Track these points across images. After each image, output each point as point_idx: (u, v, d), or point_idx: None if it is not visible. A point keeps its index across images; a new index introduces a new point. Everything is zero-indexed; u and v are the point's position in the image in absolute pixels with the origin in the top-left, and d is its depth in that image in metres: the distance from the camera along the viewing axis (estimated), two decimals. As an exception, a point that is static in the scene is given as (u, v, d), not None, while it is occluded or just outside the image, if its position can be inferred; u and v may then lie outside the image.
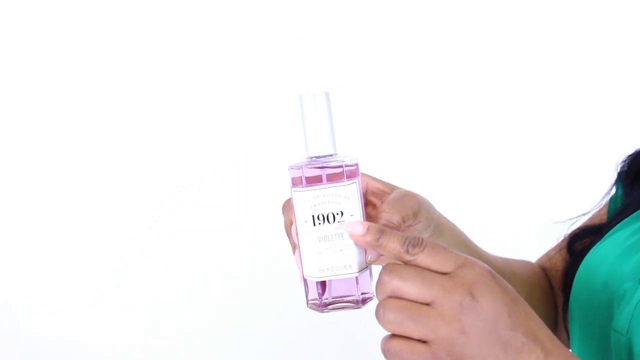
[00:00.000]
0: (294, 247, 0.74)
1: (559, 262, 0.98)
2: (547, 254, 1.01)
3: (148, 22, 1.65)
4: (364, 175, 0.75)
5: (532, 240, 1.21)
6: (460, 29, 1.67)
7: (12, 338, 1.66)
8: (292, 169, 0.71)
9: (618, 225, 0.88)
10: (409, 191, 0.75)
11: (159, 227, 1.67)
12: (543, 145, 1.68)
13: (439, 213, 0.80)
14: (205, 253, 1.68)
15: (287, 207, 0.75)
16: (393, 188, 0.77)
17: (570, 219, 0.97)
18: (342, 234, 0.69)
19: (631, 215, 0.88)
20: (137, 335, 1.67)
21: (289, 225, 0.75)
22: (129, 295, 1.67)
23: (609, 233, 0.88)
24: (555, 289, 0.99)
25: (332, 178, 0.69)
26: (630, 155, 0.93)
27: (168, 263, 1.67)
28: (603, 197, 0.96)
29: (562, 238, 0.98)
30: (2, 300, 1.66)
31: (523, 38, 1.66)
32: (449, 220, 0.83)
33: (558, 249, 0.99)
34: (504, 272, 0.92)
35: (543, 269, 1.01)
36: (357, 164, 0.71)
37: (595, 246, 0.88)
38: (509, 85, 1.67)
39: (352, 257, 0.69)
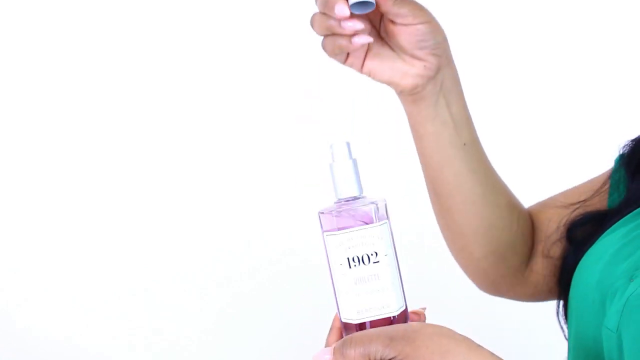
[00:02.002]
0: None
1: (557, 250, 0.96)
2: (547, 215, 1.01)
3: (146, 22, 1.65)
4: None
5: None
6: (463, 30, 1.66)
7: (12, 338, 1.66)
8: (322, 214, 0.72)
9: (617, 224, 0.88)
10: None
11: (159, 227, 1.67)
12: (545, 144, 1.67)
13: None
14: (206, 254, 1.68)
15: None
16: None
17: (572, 205, 0.96)
18: (377, 274, 0.71)
19: (630, 214, 0.88)
20: (137, 335, 1.67)
21: None
22: (129, 295, 1.67)
23: (606, 232, 0.88)
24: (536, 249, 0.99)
25: (363, 220, 0.71)
26: (633, 140, 0.92)
27: (168, 263, 1.67)
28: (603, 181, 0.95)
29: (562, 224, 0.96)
30: (1, 300, 1.66)
31: (522, 34, 1.66)
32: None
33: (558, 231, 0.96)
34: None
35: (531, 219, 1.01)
36: (385, 205, 0.73)
37: (594, 244, 0.88)
38: (509, 82, 1.67)
39: (389, 297, 0.71)
